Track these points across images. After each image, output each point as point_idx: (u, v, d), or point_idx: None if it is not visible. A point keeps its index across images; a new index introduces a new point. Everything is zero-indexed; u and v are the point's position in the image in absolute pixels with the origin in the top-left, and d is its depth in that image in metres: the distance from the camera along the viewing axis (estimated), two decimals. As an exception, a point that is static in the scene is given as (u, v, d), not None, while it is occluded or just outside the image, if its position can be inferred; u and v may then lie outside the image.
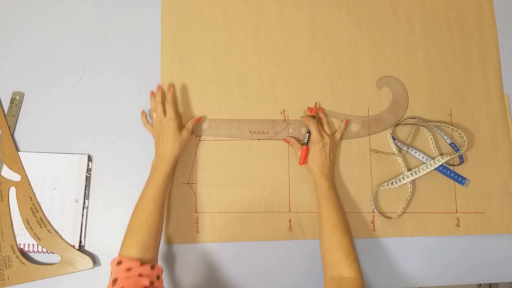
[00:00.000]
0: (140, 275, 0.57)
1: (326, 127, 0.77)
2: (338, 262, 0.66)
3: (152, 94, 0.78)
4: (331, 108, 0.80)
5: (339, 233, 0.68)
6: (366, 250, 0.77)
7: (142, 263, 0.59)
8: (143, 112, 0.78)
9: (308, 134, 0.76)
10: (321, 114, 0.79)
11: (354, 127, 0.80)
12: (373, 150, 0.79)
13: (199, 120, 0.77)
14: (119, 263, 0.59)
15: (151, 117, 0.77)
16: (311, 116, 0.78)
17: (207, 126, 0.79)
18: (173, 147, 0.71)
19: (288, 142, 0.78)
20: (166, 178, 0.69)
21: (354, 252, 0.67)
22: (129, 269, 0.58)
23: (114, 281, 0.57)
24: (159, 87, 0.78)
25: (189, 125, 0.75)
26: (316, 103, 0.79)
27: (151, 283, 0.57)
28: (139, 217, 0.64)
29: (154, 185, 0.67)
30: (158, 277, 0.60)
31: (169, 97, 0.76)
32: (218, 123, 0.79)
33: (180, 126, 0.75)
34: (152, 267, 0.60)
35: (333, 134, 0.78)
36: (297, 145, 0.76)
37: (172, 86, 0.78)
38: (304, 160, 0.75)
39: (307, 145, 0.76)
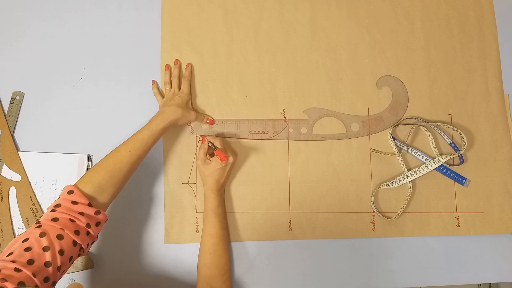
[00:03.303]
0: (81, 213, 0.57)
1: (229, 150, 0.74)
2: (213, 277, 0.67)
3: (167, 68, 0.78)
4: (331, 108, 0.80)
5: (220, 251, 0.69)
6: (366, 250, 0.77)
7: (90, 205, 0.58)
8: (153, 82, 0.79)
9: (212, 146, 0.73)
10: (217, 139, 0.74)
11: (354, 126, 0.80)
12: (373, 150, 0.79)
13: (212, 123, 0.78)
14: (70, 192, 0.58)
15: (164, 90, 0.78)
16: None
17: (207, 126, 0.79)
18: (175, 111, 0.71)
19: (203, 142, 0.75)
20: (152, 135, 0.67)
21: (230, 271, 0.70)
22: (75, 202, 0.57)
23: (57, 206, 0.57)
24: (177, 61, 0.79)
25: (200, 114, 0.77)
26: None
27: (87, 225, 0.57)
28: (109, 160, 0.63)
29: (138, 136, 0.67)
30: (97, 224, 0.60)
31: (187, 73, 0.78)
32: (218, 123, 0.79)
33: (190, 105, 0.77)
34: (97, 213, 0.59)
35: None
36: (206, 150, 0.73)
37: (190, 64, 0.79)
38: (224, 156, 0.70)
39: (218, 149, 0.72)
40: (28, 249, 0.50)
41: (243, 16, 0.82)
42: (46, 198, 0.75)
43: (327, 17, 0.83)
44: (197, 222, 0.76)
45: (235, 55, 0.81)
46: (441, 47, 0.83)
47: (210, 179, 0.72)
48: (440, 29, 0.84)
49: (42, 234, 0.52)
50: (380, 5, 0.84)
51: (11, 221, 0.74)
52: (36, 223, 0.55)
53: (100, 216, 0.60)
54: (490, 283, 1.33)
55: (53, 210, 0.56)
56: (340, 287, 0.76)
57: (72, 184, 0.60)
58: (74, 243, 0.55)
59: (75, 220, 0.56)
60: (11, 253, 0.50)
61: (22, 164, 0.75)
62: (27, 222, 0.73)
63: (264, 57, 0.81)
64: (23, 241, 0.51)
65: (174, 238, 0.75)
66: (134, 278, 0.74)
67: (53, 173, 0.76)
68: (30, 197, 0.74)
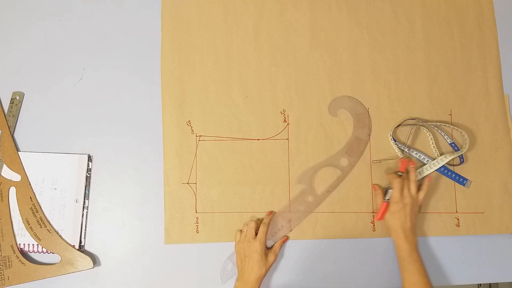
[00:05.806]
0: None
1: (412, 185, 0.73)
2: None
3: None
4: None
5: None
6: (366, 250, 0.77)
7: None
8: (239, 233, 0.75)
9: (390, 190, 0.74)
10: (411, 169, 0.74)
11: (343, 161, 0.78)
12: (375, 161, 0.79)
13: (287, 239, 0.76)
14: None
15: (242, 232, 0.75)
16: (399, 172, 0.75)
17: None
18: (259, 272, 0.70)
19: (375, 189, 0.77)
20: None
21: None
22: None
23: None
24: (270, 212, 0.76)
25: (277, 248, 0.74)
26: (409, 159, 0.77)
27: None
28: None
29: None
30: None
31: (267, 220, 0.74)
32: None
33: (266, 249, 0.73)
34: None
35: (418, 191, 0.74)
36: (380, 197, 0.75)
37: (272, 212, 0.76)
38: (381, 216, 0.74)
39: (386, 202, 0.74)
40: None
41: (243, 16, 0.82)
42: (46, 198, 0.75)
43: (327, 17, 0.83)
44: (197, 222, 0.76)
45: (235, 55, 0.81)
46: (441, 47, 0.83)
47: (393, 226, 0.71)
48: (440, 29, 0.84)
49: None
50: (380, 5, 0.84)
51: (11, 221, 0.74)
52: None
53: None
54: (490, 283, 1.33)
55: None
56: (340, 287, 0.76)
57: None
58: None
59: None
60: None
61: (22, 164, 0.75)
62: (27, 222, 0.73)
63: (264, 57, 0.81)
64: None
65: (174, 238, 0.75)
66: (134, 278, 0.74)
67: (53, 173, 0.76)
68: (30, 197, 0.74)
